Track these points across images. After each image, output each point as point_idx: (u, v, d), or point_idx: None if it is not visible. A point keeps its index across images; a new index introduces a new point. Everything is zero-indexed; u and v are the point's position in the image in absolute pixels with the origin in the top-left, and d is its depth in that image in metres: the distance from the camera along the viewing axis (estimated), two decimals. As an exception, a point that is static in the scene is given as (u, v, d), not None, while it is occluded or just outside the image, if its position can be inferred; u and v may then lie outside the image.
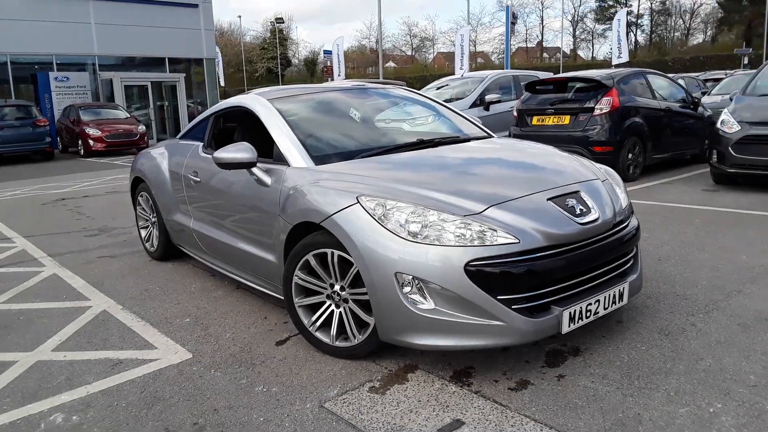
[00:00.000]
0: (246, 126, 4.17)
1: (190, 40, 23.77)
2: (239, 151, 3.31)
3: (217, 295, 4.11)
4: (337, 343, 3.01)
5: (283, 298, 3.44)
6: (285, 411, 2.55)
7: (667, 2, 58.31)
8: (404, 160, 3.33)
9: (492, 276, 2.54)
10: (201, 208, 4.13)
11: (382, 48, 33.82)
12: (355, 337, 2.94)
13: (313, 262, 3.00)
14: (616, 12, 36.47)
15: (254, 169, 3.37)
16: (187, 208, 4.33)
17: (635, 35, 58.84)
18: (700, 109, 9.21)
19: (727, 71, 23.43)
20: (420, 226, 2.64)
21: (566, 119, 7.91)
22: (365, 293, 2.81)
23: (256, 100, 3.83)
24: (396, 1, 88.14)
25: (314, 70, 64.13)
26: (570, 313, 2.68)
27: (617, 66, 22.52)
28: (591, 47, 63.01)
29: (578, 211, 2.83)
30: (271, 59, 61.93)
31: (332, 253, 2.90)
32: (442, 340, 2.63)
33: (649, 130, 8.02)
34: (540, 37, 64.23)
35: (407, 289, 2.63)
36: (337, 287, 2.97)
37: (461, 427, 2.36)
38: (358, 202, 2.78)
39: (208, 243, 4.09)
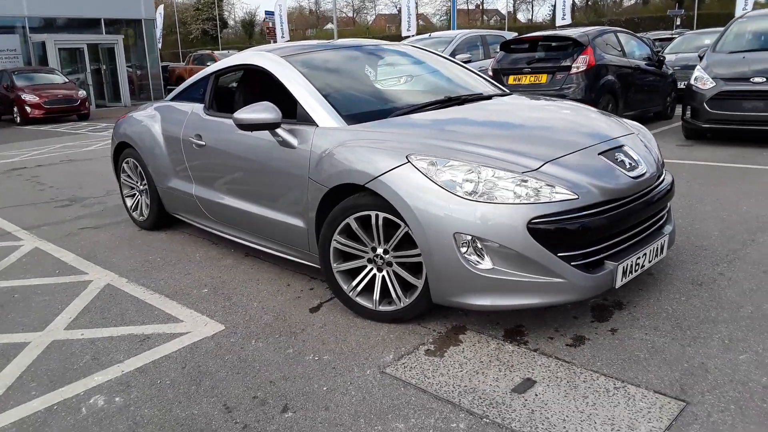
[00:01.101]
0: (253, 86, 3.94)
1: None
2: (263, 110, 3.11)
3: (227, 264, 3.92)
4: (381, 308, 2.91)
5: (308, 264, 3.32)
6: (346, 379, 2.46)
7: (604, -37, 59.13)
8: (441, 118, 3.21)
9: (553, 233, 2.49)
10: (207, 174, 3.89)
11: (324, 9, 32.89)
12: (401, 300, 2.85)
13: (354, 225, 2.88)
14: (557, -27, 36.90)
15: (279, 131, 3.18)
16: (188, 174, 4.08)
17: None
18: (664, 67, 9.41)
19: (676, 31, 24.04)
20: (476, 184, 2.55)
21: (543, 78, 7.92)
22: (413, 255, 2.73)
23: (270, 58, 3.60)
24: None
25: (252, 31, 62.04)
26: (623, 267, 2.67)
27: (560, 27, 22.78)
28: (531, 9, 63.44)
29: (628, 165, 2.80)
30: (207, 20, 59.47)
31: (376, 216, 2.78)
32: (501, 300, 2.57)
33: (621, 88, 8.14)
34: (480, -1, 64.19)
35: (465, 249, 2.55)
36: (380, 250, 2.86)
37: (534, 386, 2.33)
38: (409, 161, 2.66)
39: (217, 210, 3.87)
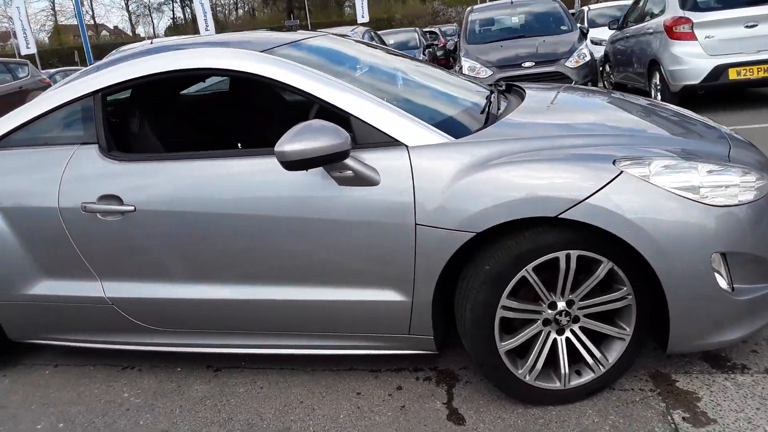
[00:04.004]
0: (215, 104, 2.46)
1: None
2: (323, 134, 1.89)
3: (226, 396, 2.40)
4: (573, 383, 2.08)
5: (380, 352, 2.22)
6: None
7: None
8: (547, 120, 2.41)
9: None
10: (144, 258, 2.27)
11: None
12: (599, 363, 2.08)
13: (532, 277, 1.97)
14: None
15: (350, 161, 1.98)
16: (85, 268, 2.34)
17: (191, 11, 59.02)
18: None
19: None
20: (704, 184, 1.95)
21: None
22: (616, 300, 2.01)
23: (262, 59, 2.25)
24: None
25: None
26: None
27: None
28: (152, 22, 60.64)
29: None
30: None
31: (567, 257, 1.95)
32: (753, 323, 2.04)
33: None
34: (92, 12, 58.63)
35: (719, 270, 1.94)
36: (561, 305, 2.03)
37: None
38: (622, 170, 1.90)
39: (173, 312, 2.32)
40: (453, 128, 2.14)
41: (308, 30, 3.33)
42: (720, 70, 6.50)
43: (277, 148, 1.89)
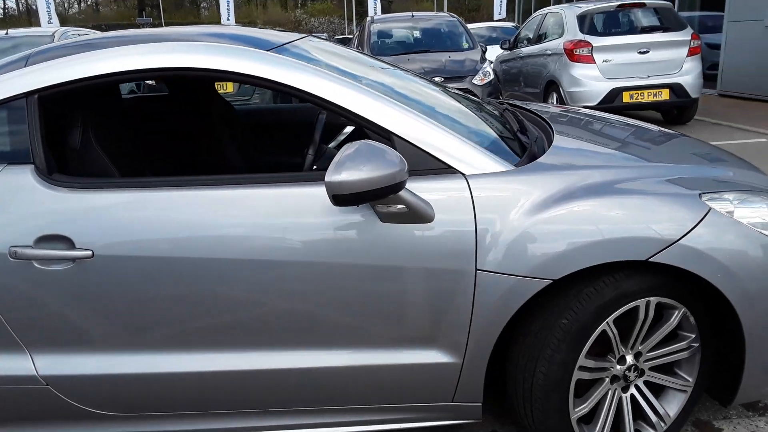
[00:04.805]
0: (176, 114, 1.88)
1: None
2: (377, 160, 1.47)
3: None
4: (639, 444, 1.84)
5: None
6: None
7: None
8: (583, 148, 2.14)
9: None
10: (100, 320, 1.65)
11: None
12: (662, 420, 1.86)
13: (612, 331, 1.70)
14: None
15: (404, 193, 1.56)
16: (9, 335, 1.67)
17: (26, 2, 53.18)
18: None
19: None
20: None
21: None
22: (682, 350, 1.82)
23: (273, 61, 1.74)
24: None
25: None
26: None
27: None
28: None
29: None
30: None
31: (647, 305, 1.70)
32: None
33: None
34: None
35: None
36: (629, 358, 1.79)
37: None
38: (709, 206, 1.69)
39: (144, 390, 1.73)
40: (505, 153, 1.81)
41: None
42: (615, 93, 6.83)
43: (329, 177, 1.45)
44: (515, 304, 1.64)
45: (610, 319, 1.68)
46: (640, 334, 1.76)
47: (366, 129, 1.71)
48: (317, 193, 1.64)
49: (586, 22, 7.09)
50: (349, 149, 1.50)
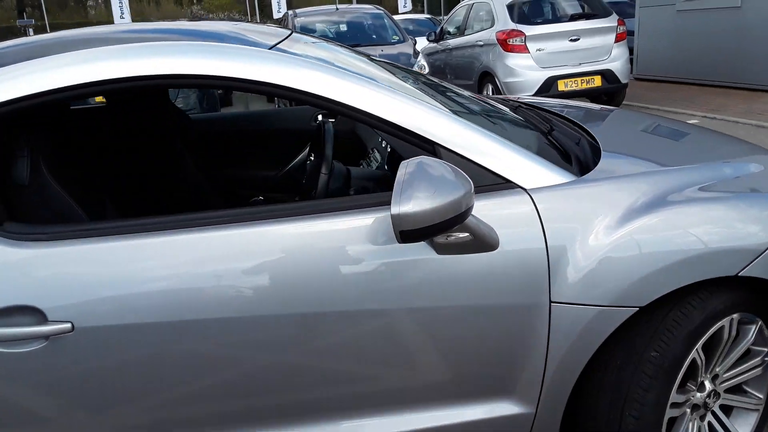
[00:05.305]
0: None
1: None
2: (446, 186, 1.17)
3: None
4: (719, 479, 1.65)
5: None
6: None
7: None
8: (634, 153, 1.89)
9: None
10: (78, 412, 1.25)
11: None
12: (739, 447, 1.68)
13: (701, 358, 1.48)
14: None
15: (469, 219, 1.26)
16: None
17: None
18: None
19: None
20: None
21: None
22: (755, 367, 1.65)
23: (282, 61, 1.38)
24: None
25: None
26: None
27: None
28: None
29: None
30: None
31: (730, 323, 1.51)
32: None
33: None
34: None
35: None
36: (707, 383, 1.59)
37: None
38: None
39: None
40: (558, 161, 1.54)
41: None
42: (550, 82, 6.80)
43: (396, 209, 1.12)
44: (597, 339, 1.39)
45: (699, 344, 1.46)
46: (721, 355, 1.56)
47: (404, 140, 1.39)
48: (349, 225, 1.31)
49: (515, 11, 7.02)
50: (408, 168, 1.18)
